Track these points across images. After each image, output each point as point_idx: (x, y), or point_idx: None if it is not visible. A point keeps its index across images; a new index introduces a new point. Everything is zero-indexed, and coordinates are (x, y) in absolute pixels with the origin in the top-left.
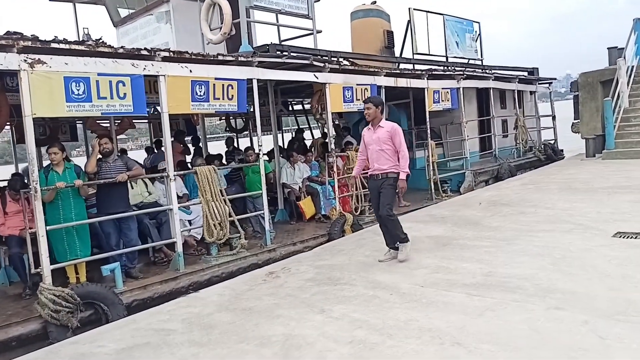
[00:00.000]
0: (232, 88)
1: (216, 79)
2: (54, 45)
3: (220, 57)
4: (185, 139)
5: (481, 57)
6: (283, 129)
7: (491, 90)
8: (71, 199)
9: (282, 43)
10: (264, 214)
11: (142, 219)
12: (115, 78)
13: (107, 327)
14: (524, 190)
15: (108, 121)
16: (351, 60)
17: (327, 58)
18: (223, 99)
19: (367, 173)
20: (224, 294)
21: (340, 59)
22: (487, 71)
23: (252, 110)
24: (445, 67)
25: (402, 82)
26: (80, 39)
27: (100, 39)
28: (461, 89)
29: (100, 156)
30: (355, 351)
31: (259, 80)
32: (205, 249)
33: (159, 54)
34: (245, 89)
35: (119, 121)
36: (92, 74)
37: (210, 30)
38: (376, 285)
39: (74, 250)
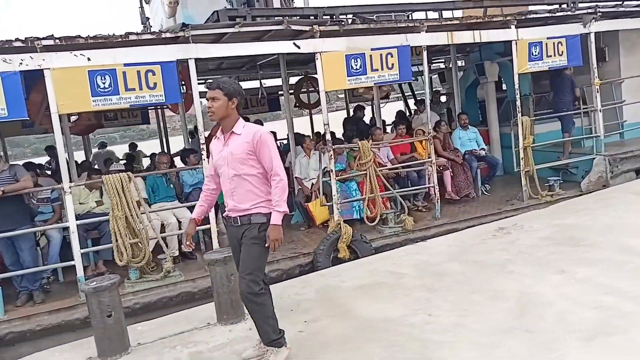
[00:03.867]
0: (154, 74)
1: (126, 65)
2: None
3: (133, 37)
4: None
5: None
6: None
7: None
8: None
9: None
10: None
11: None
12: None
13: (347, 266)
14: None
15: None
16: (364, 16)
17: (314, 19)
18: (141, 89)
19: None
20: (453, 245)
21: (344, 16)
22: None
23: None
24: (560, 6)
25: (464, 37)
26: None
27: None
28: (592, 35)
29: None
30: (602, 317)
31: (199, 59)
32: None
33: (39, 44)
34: (175, 74)
35: (75, 119)
36: None
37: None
38: (628, 249)
39: None
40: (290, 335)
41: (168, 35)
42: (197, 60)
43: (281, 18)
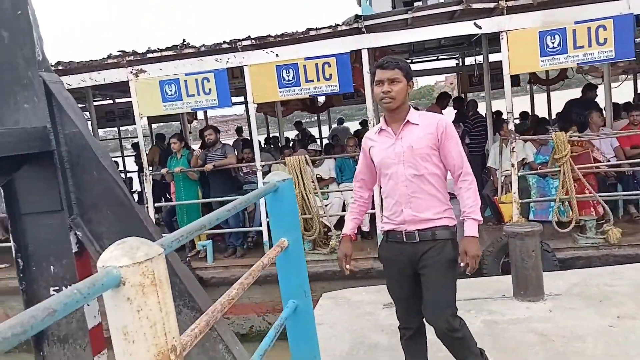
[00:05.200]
0: (330, 66)
1: (306, 59)
2: (149, 55)
3: (313, 32)
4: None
5: None
6: None
7: None
8: (181, 182)
9: None
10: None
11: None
12: (201, 75)
13: None
14: None
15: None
16: None
17: None
18: (318, 80)
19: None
20: None
21: None
22: None
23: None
24: None
25: None
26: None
27: (184, 41)
28: None
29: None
30: None
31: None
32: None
33: (239, 44)
34: (349, 64)
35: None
36: (181, 74)
37: None
38: None
39: (182, 225)
40: (598, 328)
41: (343, 28)
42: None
43: None
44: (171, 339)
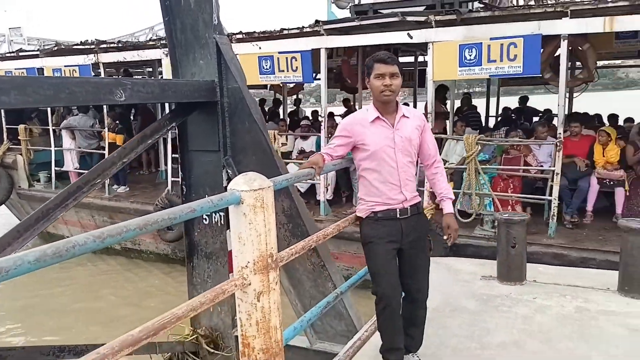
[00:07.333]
0: (296, 60)
1: (280, 52)
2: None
3: (285, 32)
4: None
5: None
6: None
7: None
8: None
9: None
10: None
11: None
12: None
13: None
14: None
15: None
16: (492, 5)
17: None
18: (287, 71)
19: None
20: None
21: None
22: None
23: None
24: None
25: (632, 23)
26: None
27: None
28: None
29: None
30: None
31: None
32: None
33: (234, 37)
34: (310, 60)
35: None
36: None
37: None
38: None
39: None
40: None
41: (308, 30)
42: None
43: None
44: (270, 248)
